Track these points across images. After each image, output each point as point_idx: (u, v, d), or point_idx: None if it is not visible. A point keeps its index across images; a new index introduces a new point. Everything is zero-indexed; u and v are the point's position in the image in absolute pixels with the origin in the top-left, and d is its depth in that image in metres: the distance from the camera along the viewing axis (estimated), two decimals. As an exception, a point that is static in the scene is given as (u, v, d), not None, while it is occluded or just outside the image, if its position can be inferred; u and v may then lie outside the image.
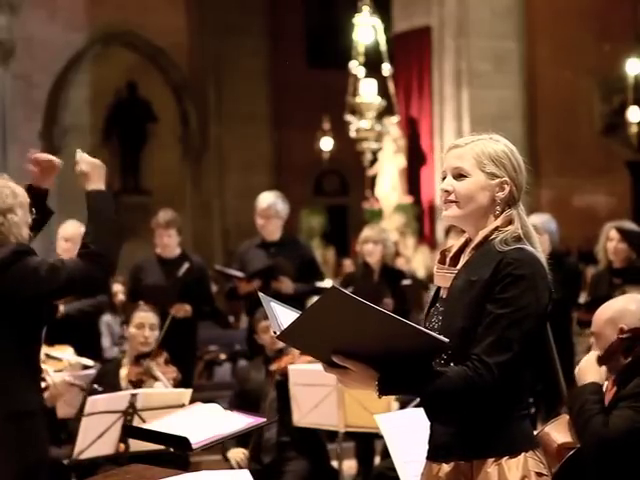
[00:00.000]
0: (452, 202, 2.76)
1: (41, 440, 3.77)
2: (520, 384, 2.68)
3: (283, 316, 2.63)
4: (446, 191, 2.78)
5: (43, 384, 4.51)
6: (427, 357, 2.57)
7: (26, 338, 3.77)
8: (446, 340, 2.50)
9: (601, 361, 3.49)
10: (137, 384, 5.50)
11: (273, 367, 5.85)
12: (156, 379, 5.56)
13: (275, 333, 2.56)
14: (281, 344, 5.67)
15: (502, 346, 2.60)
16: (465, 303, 2.65)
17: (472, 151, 2.76)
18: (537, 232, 2.82)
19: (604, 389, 3.52)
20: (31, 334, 3.80)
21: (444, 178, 2.81)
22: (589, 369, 3.49)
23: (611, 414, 3.34)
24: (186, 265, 7.21)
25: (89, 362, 5.60)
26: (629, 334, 3.46)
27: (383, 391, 2.57)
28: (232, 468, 5.42)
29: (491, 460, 2.66)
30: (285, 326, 2.54)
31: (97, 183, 3.89)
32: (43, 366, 4.79)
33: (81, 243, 3.79)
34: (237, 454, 5.70)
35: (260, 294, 2.76)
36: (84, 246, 3.76)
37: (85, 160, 3.94)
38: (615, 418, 3.32)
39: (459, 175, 2.76)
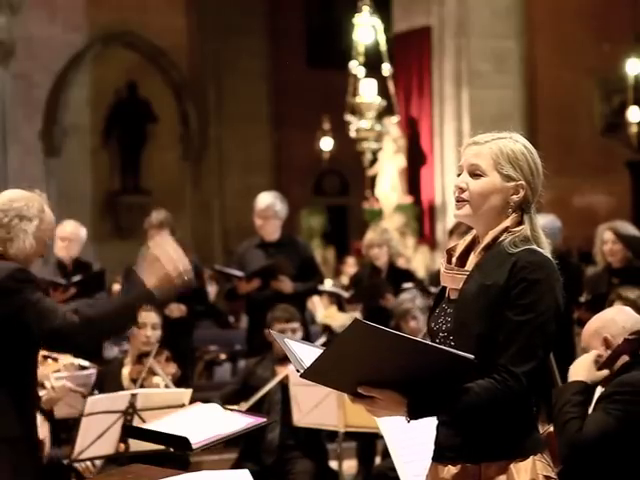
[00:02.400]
0: (464, 201, 2.72)
1: (20, 470, 3.56)
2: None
3: (301, 352, 2.62)
4: (460, 188, 2.73)
5: (43, 391, 4.49)
6: (453, 375, 2.54)
7: (10, 361, 3.59)
8: (471, 357, 2.47)
9: (606, 365, 3.47)
10: (138, 382, 5.52)
11: (281, 370, 5.85)
12: (155, 374, 5.59)
13: (298, 371, 2.55)
14: None
15: (528, 354, 2.57)
16: (480, 308, 2.62)
17: (490, 150, 2.72)
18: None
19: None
20: (17, 357, 3.61)
21: (459, 174, 2.77)
22: (580, 367, 3.47)
23: (587, 418, 3.34)
24: None
25: (85, 363, 5.60)
26: (636, 336, 3.44)
27: (414, 415, 2.54)
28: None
29: (500, 463, 2.63)
30: (306, 362, 2.53)
31: (152, 279, 3.50)
32: (44, 370, 4.79)
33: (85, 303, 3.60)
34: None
35: (273, 332, 2.76)
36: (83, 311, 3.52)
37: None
38: (588, 423, 3.32)
39: (475, 173, 2.72)
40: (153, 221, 7.28)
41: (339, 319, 9.99)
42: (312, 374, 2.53)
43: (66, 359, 5.49)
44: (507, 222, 2.71)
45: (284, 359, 5.87)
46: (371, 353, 2.45)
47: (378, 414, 2.60)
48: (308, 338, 7.29)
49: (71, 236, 7.11)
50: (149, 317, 5.81)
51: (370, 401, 2.54)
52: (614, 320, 3.53)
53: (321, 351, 2.54)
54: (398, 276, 7.60)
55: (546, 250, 2.71)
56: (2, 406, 3.54)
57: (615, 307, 3.80)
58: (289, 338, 2.69)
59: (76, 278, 7.02)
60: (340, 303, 8.21)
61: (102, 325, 3.50)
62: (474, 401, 2.55)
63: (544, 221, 7.55)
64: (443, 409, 2.58)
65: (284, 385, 5.79)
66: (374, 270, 7.54)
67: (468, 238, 2.81)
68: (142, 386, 5.44)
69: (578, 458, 3.31)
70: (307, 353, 2.59)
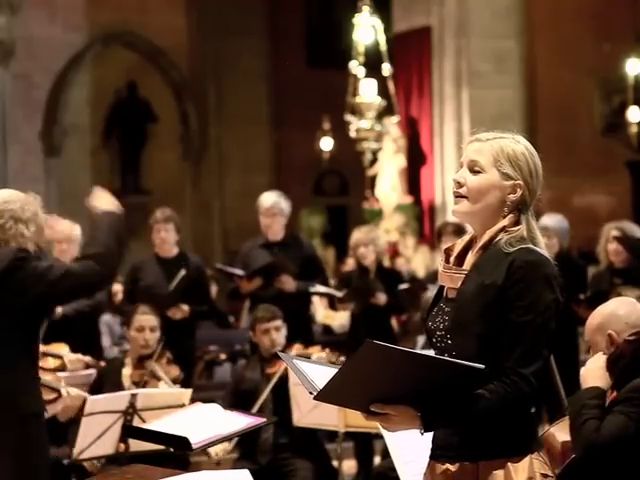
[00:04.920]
0: (462, 197, 2.74)
1: (44, 443, 3.81)
2: None
3: (311, 372, 2.62)
4: (458, 182, 2.75)
5: (53, 395, 4.50)
6: (464, 386, 2.55)
7: (28, 341, 3.81)
8: (482, 366, 2.49)
9: (608, 364, 3.45)
10: (141, 385, 5.51)
11: (270, 370, 5.83)
12: (159, 379, 5.56)
13: (311, 394, 2.55)
14: (277, 349, 5.70)
15: (534, 355, 2.60)
16: (479, 308, 2.63)
17: (492, 148, 2.73)
18: (547, 236, 2.79)
19: (607, 392, 3.49)
20: (32, 337, 3.84)
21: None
22: (593, 373, 3.44)
23: (605, 419, 3.32)
24: (181, 273, 7.14)
25: (87, 358, 5.60)
26: (636, 336, 3.42)
27: (428, 428, 2.56)
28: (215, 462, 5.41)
29: (497, 461, 2.64)
30: (317, 382, 2.54)
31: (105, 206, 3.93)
32: (55, 375, 4.82)
33: (84, 250, 3.86)
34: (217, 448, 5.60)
35: (280, 354, 2.76)
36: (87, 253, 3.84)
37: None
38: (607, 423, 3.30)
39: (474, 169, 2.74)
40: (159, 215, 7.27)
41: (337, 319, 9.99)
42: (325, 396, 2.54)
43: (70, 354, 5.49)
44: (504, 222, 2.72)
45: (271, 358, 5.85)
46: (383, 371, 2.46)
47: (393, 429, 2.60)
48: (311, 338, 7.30)
49: (68, 237, 7.10)
50: (147, 320, 5.77)
51: (384, 417, 2.55)
52: (617, 314, 3.50)
53: (331, 369, 2.56)
54: (386, 275, 7.62)
55: (543, 249, 2.72)
56: (27, 384, 3.77)
57: (615, 299, 3.75)
58: (297, 359, 2.69)
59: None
60: (332, 302, 8.20)
61: (113, 249, 3.83)
62: (487, 407, 2.56)
63: (552, 221, 7.56)
64: (457, 418, 2.59)
65: (275, 385, 5.75)
66: (362, 270, 7.54)
67: (466, 237, 2.81)
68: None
69: (593, 458, 3.31)
70: (318, 373, 2.59)
